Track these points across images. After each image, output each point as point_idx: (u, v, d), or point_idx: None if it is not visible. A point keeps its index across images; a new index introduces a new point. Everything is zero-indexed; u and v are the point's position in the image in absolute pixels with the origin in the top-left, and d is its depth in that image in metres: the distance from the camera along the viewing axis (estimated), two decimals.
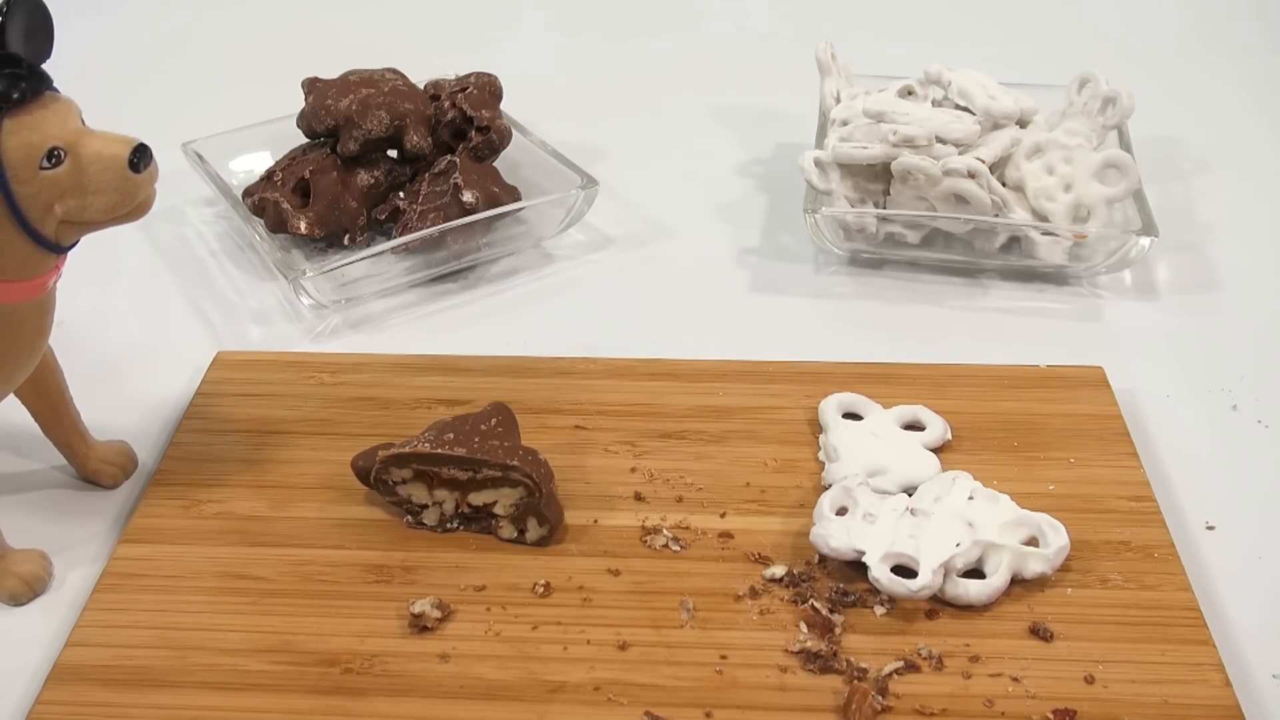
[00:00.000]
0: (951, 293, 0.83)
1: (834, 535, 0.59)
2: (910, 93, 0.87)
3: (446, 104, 0.88)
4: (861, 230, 0.83)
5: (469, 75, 0.90)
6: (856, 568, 0.59)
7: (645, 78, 1.12)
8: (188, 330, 0.80)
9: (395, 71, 0.89)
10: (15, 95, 0.50)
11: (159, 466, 0.67)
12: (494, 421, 0.63)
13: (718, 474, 0.66)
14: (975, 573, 0.59)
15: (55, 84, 0.53)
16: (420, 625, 0.57)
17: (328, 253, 0.86)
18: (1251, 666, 0.57)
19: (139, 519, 0.63)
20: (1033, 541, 0.60)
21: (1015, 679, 0.55)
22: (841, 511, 0.61)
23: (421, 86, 0.90)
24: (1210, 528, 0.64)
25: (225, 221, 0.91)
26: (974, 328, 0.79)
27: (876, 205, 0.85)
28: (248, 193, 0.87)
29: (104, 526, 0.65)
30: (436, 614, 0.57)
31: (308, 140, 0.88)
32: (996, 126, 0.84)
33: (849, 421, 0.68)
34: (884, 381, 0.71)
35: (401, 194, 0.86)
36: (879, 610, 0.58)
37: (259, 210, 0.86)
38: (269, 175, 0.87)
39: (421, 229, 0.81)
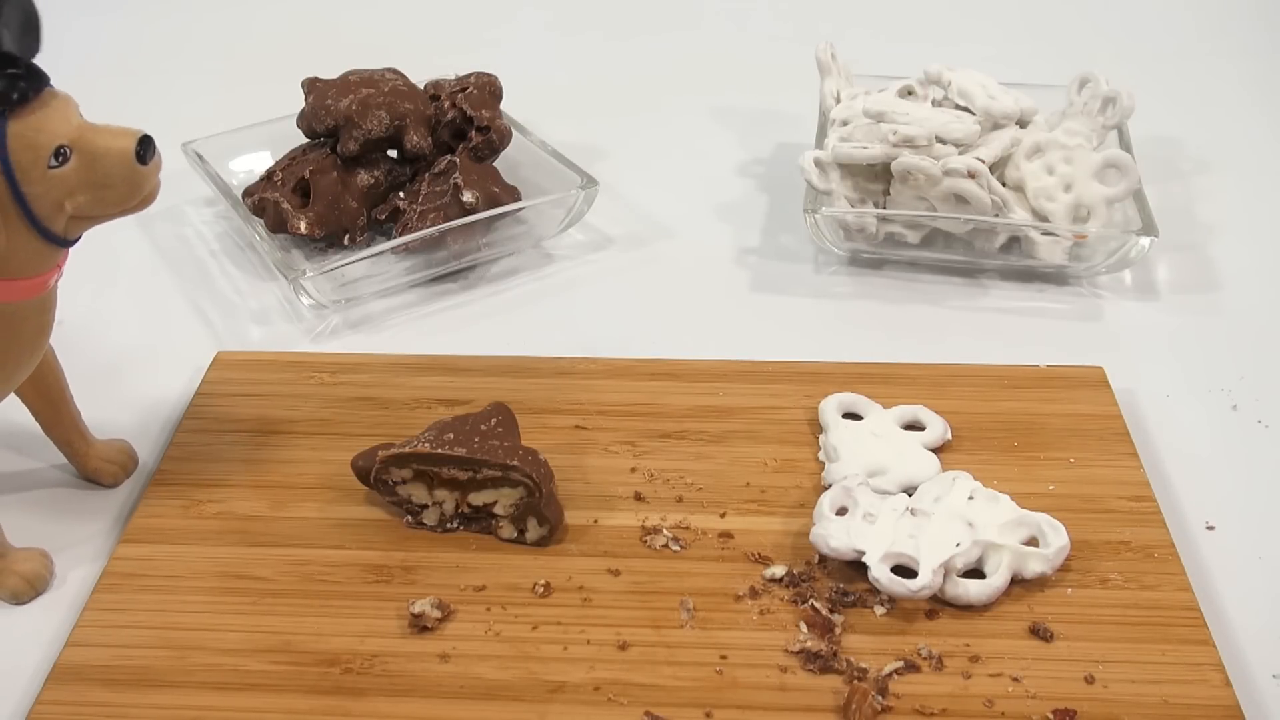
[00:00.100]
0: (951, 293, 0.83)
1: (834, 535, 0.59)
2: (910, 93, 0.87)
3: (446, 104, 0.88)
4: (861, 230, 0.83)
5: (469, 75, 0.90)
6: (856, 568, 0.59)
7: (645, 78, 1.12)
8: (188, 330, 0.80)
9: (395, 71, 0.89)
10: (15, 96, 0.50)
11: (159, 466, 0.67)
12: (494, 421, 0.63)
13: (718, 474, 0.66)
14: (975, 573, 0.59)
15: (50, 80, 0.53)
16: (420, 625, 0.57)
17: (328, 253, 0.86)
18: (1251, 666, 0.57)
19: (139, 519, 0.63)
20: (1033, 541, 0.60)
21: (1015, 679, 0.55)
22: (841, 511, 0.61)
23: (421, 86, 0.90)
24: (1210, 528, 0.64)
25: (225, 221, 0.91)
26: (974, 328, 0.79)
27: (876, 205, 0.85)
28: (248, 193, 0.87)
29: (104, 526, 0.65)
30: (436, 614, 0.57)
31: (308, 140, 0.88)
32: (996, 126, 0.84)
33: (849, 421, 0.68)
34: (884, 381, 0.71)
35: (401, 194, 0.86)
36: (879, 610, 0.58)
37: (259, 210, 0.86)
38: (269, 175, 0.87)
39: (421, 229, 0.81)
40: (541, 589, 0.59)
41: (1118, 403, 0.70)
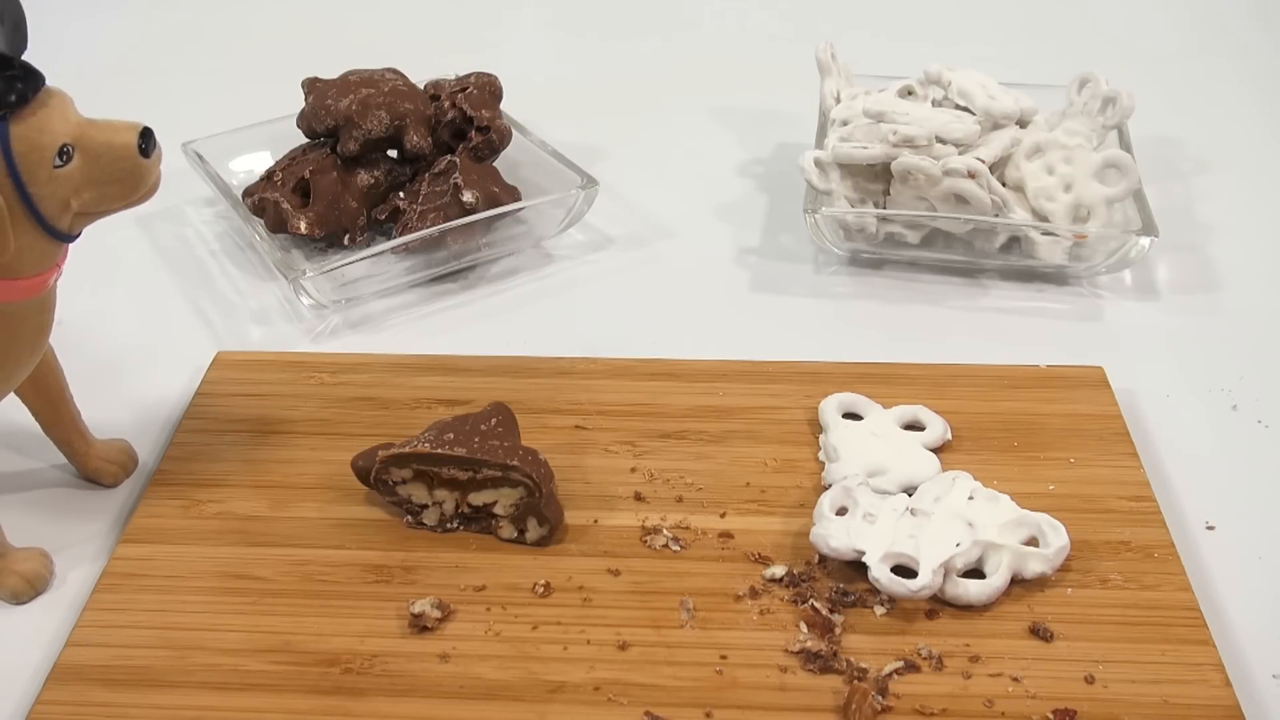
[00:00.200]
0: (951, 293, 0.83)
1: (834, 535, 0.59)
2: (910, 93, 0.87)
3: (446, 104, 0.88)
4: (861, 230, 0.83)
5: (469, 75, 0.90)
6: (856, 568, 0.59)
7: (645, 78, 1.12)
8: (188, 330, 0.80)
9: (395, 71, 0.89)
10: (13, 98, 0.50)
11: (159, 466, 0.67)
12: (494, 421, 0.63)
13: (718, 474, 0.66)
14: (975, 573, 0.59)
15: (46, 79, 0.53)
16: (420, 625, 0.57)
17: (328, 253, 0.86)
18: (1251, 666, 0.57)
19: (139, 519, 0.63)
20: (1033, 541, 0.60)
21: (1015, 679, 0.55)
22: (841, 511, 0.61)
23: (421, 86, 0.90)
24: (1210, 528, 0.64)
25: (225, 221, 0.91)
26: (974, 328, 0.79)
27: (876, 205, 0.85)
28: (248, 193, 0.87)
29: (104, 525, 0.65)
30: (436, 614, 0.57)
31: (308, 140, 0.88)
32: (996, 126, 0.84)
33: (849, 421, 0.68)
34: (884, 381, 0.71)
35: (401, 194, 0.86)
36: (879, 610, 0.58)
37: (259, 210, 0.86)
38: (269, 175, 0.87)
39: (421, 229, 0.81)
40: (541, 589, 0.59)
41: (1118, 403, 0.70)
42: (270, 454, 0.67)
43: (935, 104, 0.87)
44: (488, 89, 0.89)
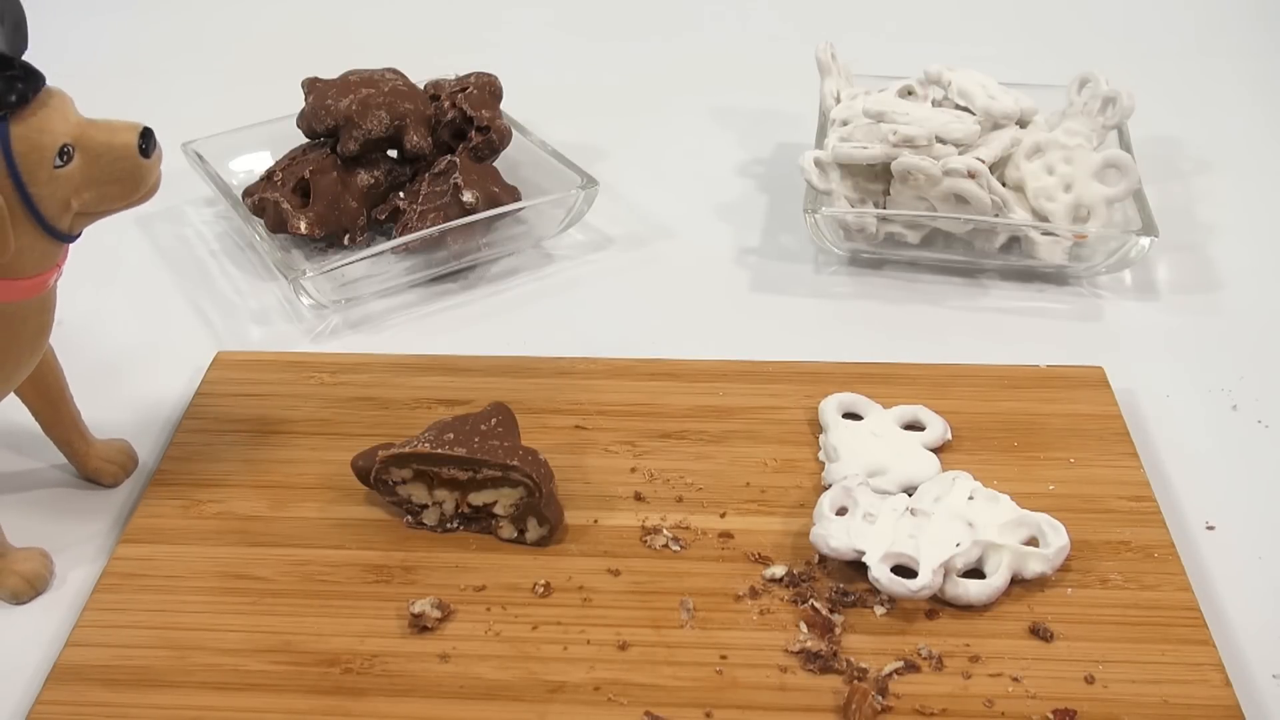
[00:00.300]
0: (951, 293, 0.83)
1: (834, 535, 0.59)
2: (910, 93, 0.87)
3: (446, 104, 0.88)
4: (861, 230, 0.83)
5: (469, 75, 0.90)
6: (856, 568, 0.59)
7: (645, 78, 1.12)
8: (188, 330, 0.80)
9: (395, 71, 0.89)
10: (14, 98, 0.50)
11: (159, 466, 0.67)
12: (494, 421, 0.63)
13: (718, 474, 0.66)
14: (975, 573, 0.59)
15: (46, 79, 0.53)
16: (420, 625, 0.57)
17: (328, 253, 0.86)
18: (1251, 666, 0.57)
19: (139, 519, 0.63)
20: (1033, 541, 0.60)
21: (1015, 679, 0.55)
22: (841, 511, 0.61)
23: (421, 86, 0.90)
24: (1210, 528, 0.64)
25: (225, 221, 0.91)
26: (974, 328, 0.79)
27: (876, 205, 0.85)
28: (248, 193, 0.87)
29: (104, 525, 0.65)
30: (436, 614, 0.57)
31: (308, 140, 0.88)
32: (996, 126, 0.84)
33: (849, 421, 0.68)
34: (884, 381, 0.71)
35: (401, 194, 0.86)
36: (879, 610, 0.58)
37: (259, 210, 0.86)
38: (269, 175, 0.87)
39: (421, 229, 0.81)
40: (541, 589, 0.59)
41: (1118, 403, 0.70)
42: (270, 454, 0.67)
43: (935, 104, 0.87)
44: (488, 89, 0.89)
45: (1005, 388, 0.71)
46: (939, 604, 0.58)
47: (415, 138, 0.86)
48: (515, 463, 0.59)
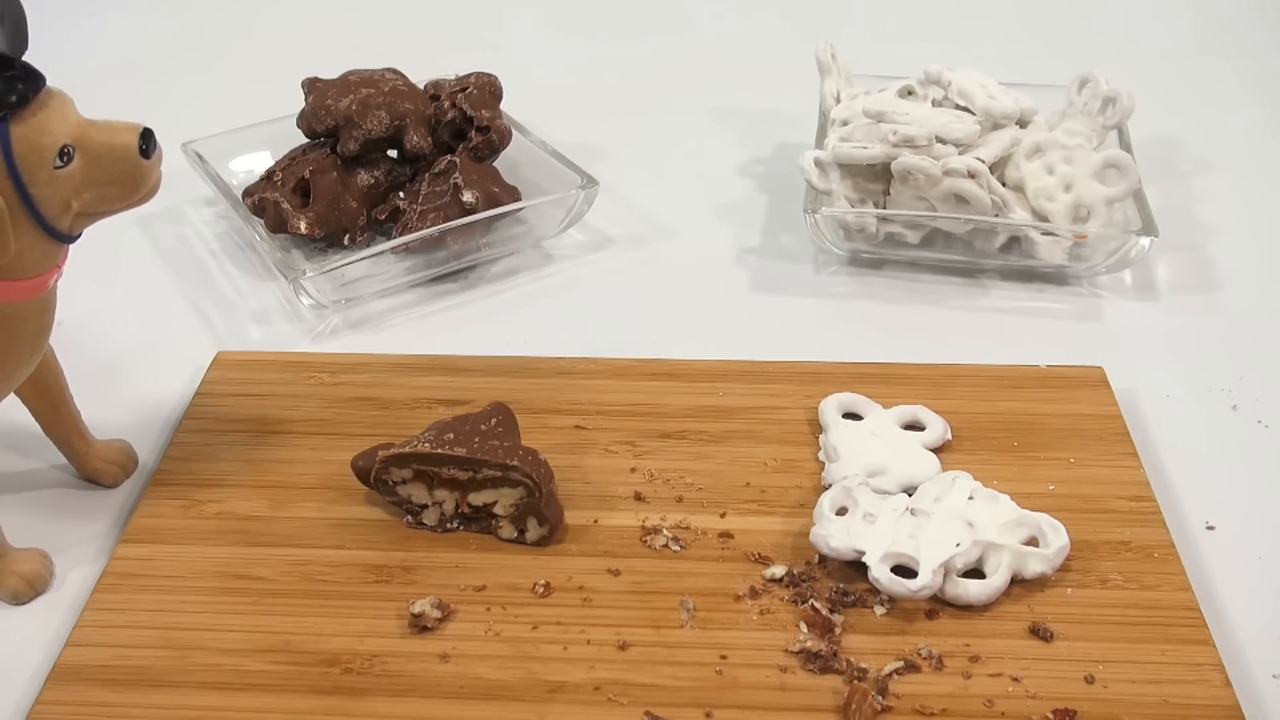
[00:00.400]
0: (951, 293, 0.83)
1: (834, 535, 0.59)
2: (910, 93, 0.87)
3: (446, 104, 0.88)
4: (861, 230, 0.83)
5: (469, 75, 0.90)
6: (856, 568, 0.59)
7: (645, 78, 1.12)
8: (188, 330, 0.80)
9: (395, 71, 0.89)
10: (14, 98, 0.50)
11: (159, 466, 0.67)
12: (494, 421, 0.63)
13: (718, 474, 0.66)
14: (975, 573, 0.59)
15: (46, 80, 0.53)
16: (420, 625, 0.57)
17: (328, 253, 0.86)
18: (1251, 666, 0.57)
19: (139, 519, 0.63)
20: (1033, 541, 0.60)
21: (1015, 679, 0.55)
22: (841, 511, 0.61)
23: (421, 86, 0.90)
24: (1210, 528, 0.64)
25: (225, 221, 0.91)
26: (974, 328, 0.79)
27: (876, 205, 0.85)
28: (248, 193, 0.87)
29: (104, 526, 0.65)
30: (436, 614, 0.57)
31: (308, 140, 0.88)
32: (996, 126, 0.84)
33: (849, 421, 0.68)
34: (884, 381, 0.71)
35: (401, 194, 0.86)
36: (879, 610, 0.58)
37: (259, 210, 0.86)
38: (269, 175, 0.87)
39: (421, 229, 0.81)
40: (541, 589, 0.59)
41: (1118, 403, 0.70)
42: (270, 454, 0.67)
43: (935, 104, 0.87)
44: (488, 89, 0.89)
45: (1005, 388, 0.71)
46: (939, 604, 0.58)
47: (415, 138, 0.86)
48: (515, 463, 0.59)
